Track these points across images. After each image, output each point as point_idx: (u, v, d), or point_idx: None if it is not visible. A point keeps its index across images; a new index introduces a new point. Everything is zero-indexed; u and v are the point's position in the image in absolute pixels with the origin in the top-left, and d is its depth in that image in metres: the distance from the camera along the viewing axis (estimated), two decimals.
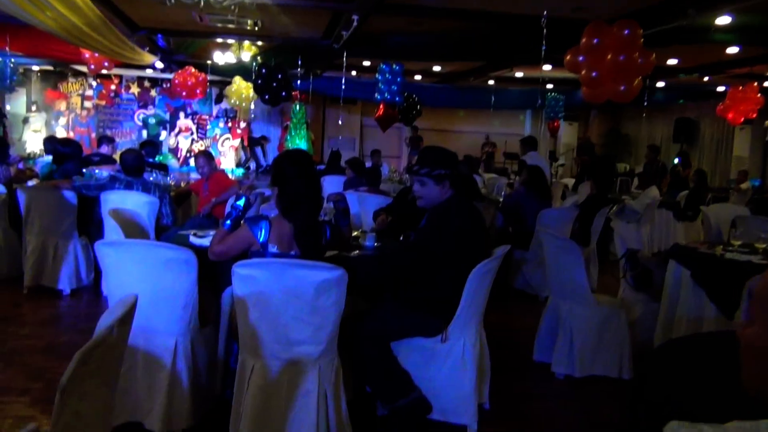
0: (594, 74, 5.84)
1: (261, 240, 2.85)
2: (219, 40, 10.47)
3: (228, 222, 3.00)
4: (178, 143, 15.65)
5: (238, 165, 15.45)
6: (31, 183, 5.88)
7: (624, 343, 3.95)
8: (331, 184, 7.81)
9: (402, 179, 9.27)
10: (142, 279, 2.83)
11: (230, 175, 11.64)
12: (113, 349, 1.74)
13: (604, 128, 17.44)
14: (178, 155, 15.57)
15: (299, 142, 12.98)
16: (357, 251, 3.55)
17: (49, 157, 6.48)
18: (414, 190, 3.23)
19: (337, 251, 3.32)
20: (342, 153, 10.06)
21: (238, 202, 3.04)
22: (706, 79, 11.96)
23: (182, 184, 6.86)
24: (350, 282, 2.66)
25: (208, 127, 15.85)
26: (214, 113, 15.86)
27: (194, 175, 8.70)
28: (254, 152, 12.39)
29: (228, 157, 15.77)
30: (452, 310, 3.04)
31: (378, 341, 3.04)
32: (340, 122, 15.30)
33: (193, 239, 3.61)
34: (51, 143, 7.28)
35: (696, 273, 4.01)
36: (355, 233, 3.79)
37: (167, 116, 15.58)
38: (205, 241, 3.40)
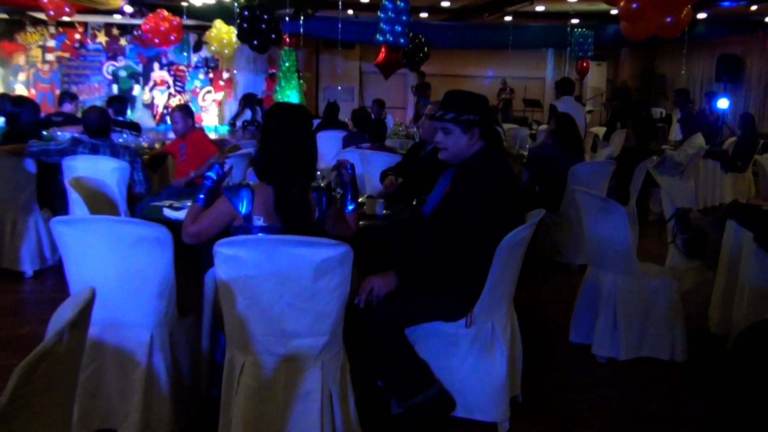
0: (635, 5, 5.53)
1: (243, 212, 2.65)
2: None
3: (201, 196, 2.79)
4: (153, 98, 15.34)
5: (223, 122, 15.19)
6: None
7: (676, 319, 3.78)
8: (328, 141, 7.55)
9: (409, 133, 8.99)
10: (108, 263, 2.65)
11: (213, 134, 11.36)
12: (66, 359, 1.55)
13: (636, 68, 17.04)
14: (154, 112, 15.29)
15: (290, 93, 12.69)
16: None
17: (1, 119, 6.22)
18: (437, 139, 3.02)
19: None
20: (340, 105, 9.76)
21: (209, 173, 2.84)
22: (754, 8, 11.56)
23: (156, 146, 6.62)
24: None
25: (187, 79, 15.52)
26: (193, 63, 15.51)
27: (172, 135, 8.47)
28: (253, 109, 12.29)
29: (210, 113, 15.48)
30: (477, 287, 2.84)
31: (390, 328, 2.84)
32: (338, 69, 14.97)
33: (167, 212, 3.41)
34: (1, 102, 7.02)
35: (760, 235, 3.81)
36: (360, 200, 3.56)
37: (140, 68, 15.22)
38: (182, 214, 3.20)
